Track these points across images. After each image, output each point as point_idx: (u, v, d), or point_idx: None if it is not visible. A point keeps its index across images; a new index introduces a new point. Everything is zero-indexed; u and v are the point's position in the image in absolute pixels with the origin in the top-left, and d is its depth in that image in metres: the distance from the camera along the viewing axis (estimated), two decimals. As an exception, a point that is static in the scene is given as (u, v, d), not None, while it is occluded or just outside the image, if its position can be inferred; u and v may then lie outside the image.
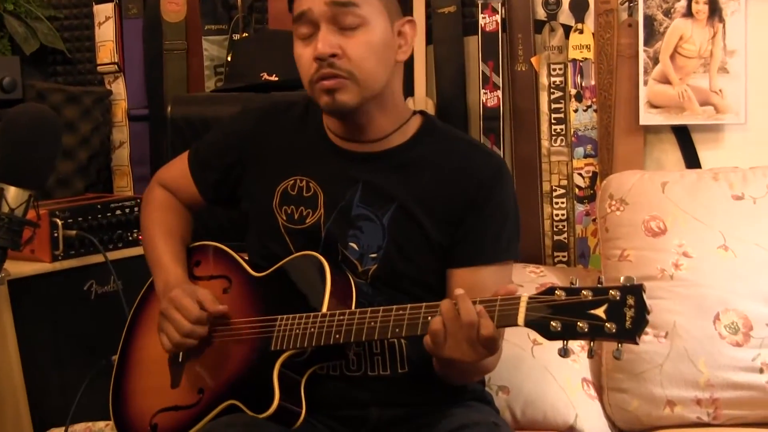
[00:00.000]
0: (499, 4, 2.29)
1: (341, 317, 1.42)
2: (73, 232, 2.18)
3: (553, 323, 1.25)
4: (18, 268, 2.08)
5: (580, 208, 2.28)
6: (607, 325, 1.22)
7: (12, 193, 1.51)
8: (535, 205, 2.30)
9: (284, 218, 1.58)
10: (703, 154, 2.21)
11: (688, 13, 2.14)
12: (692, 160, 2.21)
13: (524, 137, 2.30)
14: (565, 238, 2.30)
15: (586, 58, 2.24)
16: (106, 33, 2.69)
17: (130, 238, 2.30)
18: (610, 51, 2.21)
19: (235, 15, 2.54)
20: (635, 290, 1.22)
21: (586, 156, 2.27)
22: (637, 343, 1.22)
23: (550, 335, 1.26)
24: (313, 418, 1.51)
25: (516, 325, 1.29)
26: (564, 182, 2.29)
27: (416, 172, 1.55)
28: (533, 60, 2.29)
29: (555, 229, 2.30)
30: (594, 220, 2.22)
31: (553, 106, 2.28)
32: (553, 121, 2.28)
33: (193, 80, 2.61)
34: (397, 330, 1.38)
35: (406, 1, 1.56)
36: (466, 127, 2.36)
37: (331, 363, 1.53)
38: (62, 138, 1.61)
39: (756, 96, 2.14)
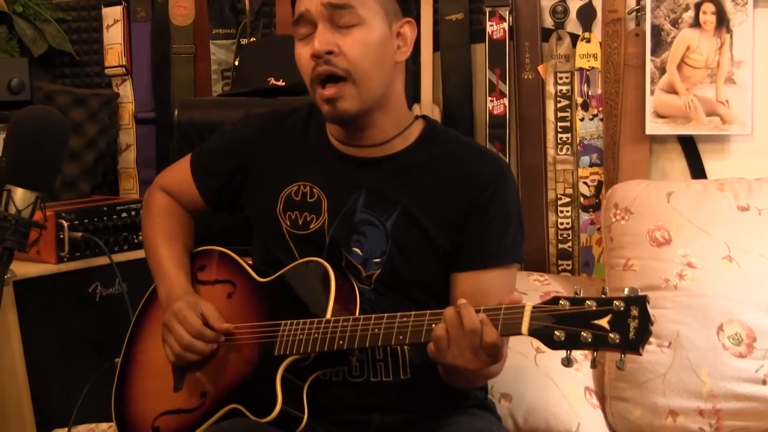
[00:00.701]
0: (507, 12, 2.29)
1: (345, 323, 1.43)
2: (79, 234, 2.18)
3: (557, 333, 1.25)
4: (23, 269, 2.09)
5: (585, 216, 2.28)
6: (611, 335, 1.22)
7: (19, 194, 1.51)
8: (540, 214, 2.30)
9: (288, 224, 1.59)
10: (709, 164, 2.21)
11: (696, 24, 2.14)
12: (698, 171, 2.21)
13: (530, 145, 2.31)
14: (569, 247, 2.30)
15: (592, 67, 2.25)
16: (114, 36, 2.70)
17: (136, 241, 2.31)
18: (617, 60, 2.22)
19: (243, 20, 2.55)
20: (639, 301, 1.22)
21: (591, 165, 2.27)
22: (640, 354, 1.22)
23: (554, 345, 1.26)
24: (315, 423, 1.52)
25: (520, 334, 1.29)
26: (569, 191, 2.29)
27: (419, 177, 1.55)
28: (540, 68, 2.29)
29: (560, 237, 2.30)
30: (599, 229, 2.22)
31: (560, 114, 2.28)
32: (559, 129, 2.29)
33: (200, 84, 2.62)
34: (401, 337, 1.38)
35: (408, 5, 1.56)
36: (472, 135, 2.36)
37: (334, 369, 1.53)
38: (69, 140, 1.62)
39: (762, 107, 2.14)
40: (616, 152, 2.22)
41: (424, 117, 1.63)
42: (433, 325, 1.35)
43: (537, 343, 1.29)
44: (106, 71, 2.74)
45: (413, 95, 2.37)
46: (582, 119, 2.27)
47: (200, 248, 1.73)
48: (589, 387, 1.94)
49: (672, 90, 2.17)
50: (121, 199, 2.52)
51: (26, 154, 1.53)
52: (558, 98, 2.28)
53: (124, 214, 2.31)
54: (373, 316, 1.42)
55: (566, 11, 2.27)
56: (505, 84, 2.31)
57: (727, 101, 2.13)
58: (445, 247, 1.53)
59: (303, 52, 1.50)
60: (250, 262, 1.66)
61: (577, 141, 2.28)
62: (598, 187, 2.27)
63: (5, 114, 2.52)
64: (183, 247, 1.71)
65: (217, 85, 2.60)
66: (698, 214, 1.96)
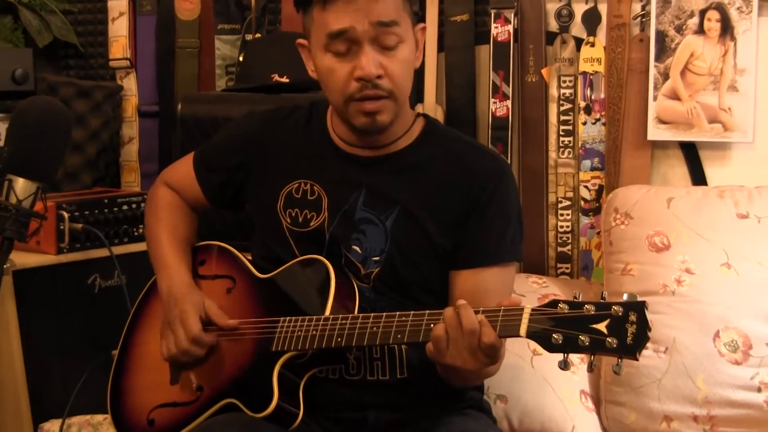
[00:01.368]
0: (512, 15, 2.30)
1: (344, 321, 1.43)
2: (79, 226, 2.19)
3: (554, 336, 1.26)
4: (23, 259, 2.09)
5: (585, 220, 2.29)
6: (609, 339, 1.22)
7: (20, 184, 1.52)
8: (540, 217, 2.30)
9: (288, 221, 1.59)
10: (710, 171, 2.21)
11: (700, 31, 2.14)
12: (699, 177, 2.21)
13: (532, 148, 2.31)
14: (568, 250, 2.30)
15: (596, 72, 2.25)
16: (119, 28, 2.70)
17: (136, 234, 2.31)
18: (620, 65, 2.22)
19: (248, 15, 2.55)
20: (638, 307, 1.23)
21: (592, 169, 2.28)
22: (637, 359, 1.23)
23: (552, 347, 1.27)
24: (310, 420, 1.52)
25: (518, 336, 1.30)
26: (570, 194, 2.30)
27: (419, 175, 1.56)
28: (544, 71, 2.29)
29: (559, 240, 2.31)
30: (598, 233, 2.22)
31: (562, 117, 2.29)
32: (561, 132, 2.29)
33: (204, 79, 2.62)
34: (399, 336, 1.39)
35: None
36: (475, 136, 2.36)
37: (331, 366, 1.53)
38: (72, 131, 1.62)
39: (764, 115, 2.14)
40: (618, 157, 2.23)
41: (424, 115, 1.64)
42: (432, 325, 1.36)
43: (534, 345, 1.30)
44: (111, 64, 2.74)
45: (416, 96, 2.37)
46: (584, 123, 2.27)
47: (201, 243, 1.73)
48: (585, 390, 1.95)
49: (675, 96, 2.17)
50: (122, 191, 2.53)
51: (28, 145, 1.53)
52: (561, 101, 2.28)
53: (125, 207, 2.31)
54: (372, 314, 1.42)
55: (571, 15, 2.27)
56: (509, 86, 2.31)
57: (729, 109, 2.14)
58: (444, 247, 1.54)
59: (341, 69, 1.47)
60: (250, 258, 1.67)
61: (579, 145, 2.28)
62: (599, 191, 2.27)
63: (9, 104, 2.52)
64: (185, 241, 1.72)
65: (221, 80, 2.60)
66: (698, 221, 1.96)
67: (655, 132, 2.19)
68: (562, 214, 2.30)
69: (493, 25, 2.31)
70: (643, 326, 1.21)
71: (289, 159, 1.63)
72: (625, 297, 1.24)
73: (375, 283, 1.54)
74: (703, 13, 2.13)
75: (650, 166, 2.24)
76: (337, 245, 1.55)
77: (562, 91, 2.28)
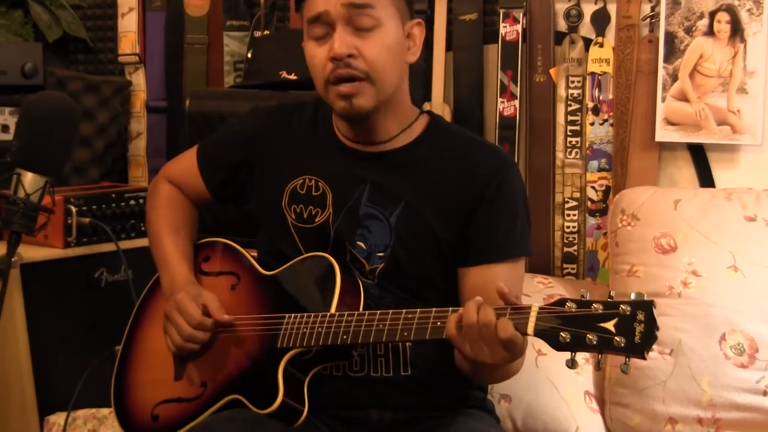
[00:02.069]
0: (521, 14, 2.29)
1: (349, 318, 1.43)
2: (87, 220, 2.19)
3: (562, 334, 1.25)
4: (30, 252, 2.10)
5: (591, 221, 2.28)
6: (617, 338, 1.22)
7: (29, 178, 1.53)
8: (547, 217, 2.30)
9: (293, 217, 1.59)
10: (718, 173, 2.20)
11: (710, 32, 2.14)
12: (706, 179, 2.21)
13: (539, 148, 2.31)
14: (575, 251, 2.30)
15: (604, 72, 2.25)
16: (128, 24, 2.71)
17: (143, 228, 2.31)
18: (629, 66, 2.22)
19: (257, 12, 2.55)
20: (646, 306, 1.22)
21: (600, 169, 2.27)
22: (645, 358, 1.23)
23: (559, 346, 1.26)
24: (314, 417, 1.52)
25: (526, 334, 1.29)
26: (577, 195, 2.30)
27: (423, 171, 1.56)
28: (552, 71, 2.29)
29: (565, 240, 2.30)
30: (605, 234, 2.22)
31: (570, 118, 2.28)
32: (568, 133, 2.29)
33: (212, 75, 2.62)
34: (405, 334, 1.39)
35: (412, 7, 1.58)
36: (482, 135, 2.35)
37: (336, 363, 1.53)
38: (80, 126, 1.63)
39: (773, 118, 2.14)
40: (625, 158, 2.22)
41: (428, 112, 1.64)
42: (438, 323, 1.35)
43: (538, 345, 1.30)
44: (120, 59, 2.74)
45: (424, 94, 2.37)
46: (592, 124, 2.27)
47: (204, 239, 1.73)
48: (589, 391, 1.94)
49: (683, 98, 2.17)
50: (129, 186, 2.53)
51: (37, 139, 1.54)
52: (569, 102, 2.28)
53: (132, 202, 2.32)
54: (378, 312, 1.42)
55: (580, 15, 2.26)
56: (517, 86, 2.31)
57: (738, 111, 2.13)
58: (449, 242, 1.54)
59: (318, 53, 1.50)
60: (255, 254, 1.67)
61: (587, 145, 2.28)
62: (606, 192, 2.27)
63: (18, 98, 2.52)
64: (187, 237, 1.72)
65: (229, 76, 2.60)
66: (705, 223, 1.95)
67: (663, 133, 2.19)
68: (568, 215, 2.30)
69: (501, 25, 2.31)
70: (651, 325, 1.21)
71: (294, 155, 1.63)
72: (633, 296, 1.24)
73: (379, 279, 1.54)
74: (713, 15, 2.13)
75: (658, 168, 2.23)
76: (342, 241, 1.56)
77: (570, 91, 2.28)
